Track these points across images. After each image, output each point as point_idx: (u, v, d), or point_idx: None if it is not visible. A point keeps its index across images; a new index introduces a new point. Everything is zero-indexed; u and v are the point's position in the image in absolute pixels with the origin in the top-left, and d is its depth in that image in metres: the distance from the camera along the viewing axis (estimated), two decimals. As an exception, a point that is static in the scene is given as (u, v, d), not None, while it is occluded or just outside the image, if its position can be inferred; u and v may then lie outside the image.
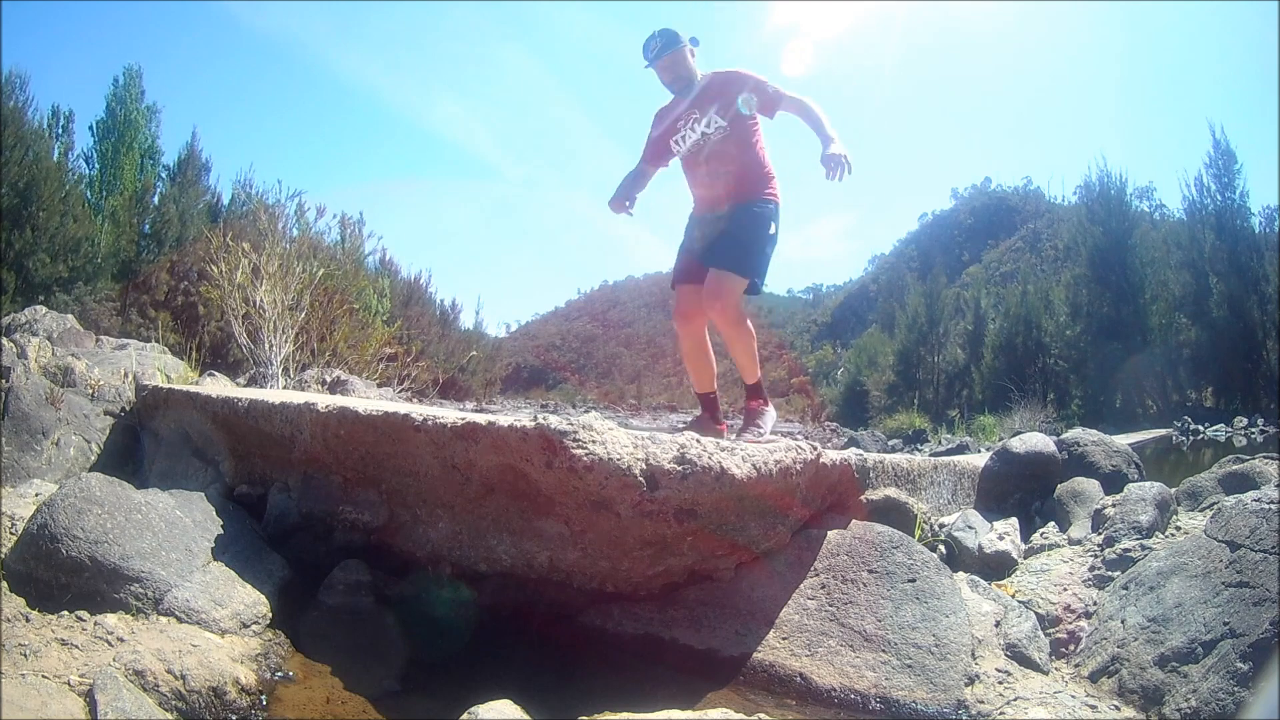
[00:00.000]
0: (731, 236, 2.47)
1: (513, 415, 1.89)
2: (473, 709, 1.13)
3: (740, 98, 2.45)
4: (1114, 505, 2.10)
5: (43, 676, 1.17)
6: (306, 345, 5.62)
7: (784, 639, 1.62)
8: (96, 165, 10.88)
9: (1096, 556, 1.92)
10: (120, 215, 10.13)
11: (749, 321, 2.48)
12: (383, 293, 9.44)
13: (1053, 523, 2.26)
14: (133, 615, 1.45)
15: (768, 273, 2.51)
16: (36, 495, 2.01)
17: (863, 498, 2.14)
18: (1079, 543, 2.05)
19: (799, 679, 1.53)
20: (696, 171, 2.59)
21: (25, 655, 1.22)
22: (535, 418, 1.56)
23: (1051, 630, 1.72)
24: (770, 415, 2.56)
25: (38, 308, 4.34)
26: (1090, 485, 2.32)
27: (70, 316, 4.57)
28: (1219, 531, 1.60)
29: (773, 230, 2.48)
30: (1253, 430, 11.06)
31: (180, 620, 1.47)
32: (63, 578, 1.46)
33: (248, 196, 11.02)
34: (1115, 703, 1.43)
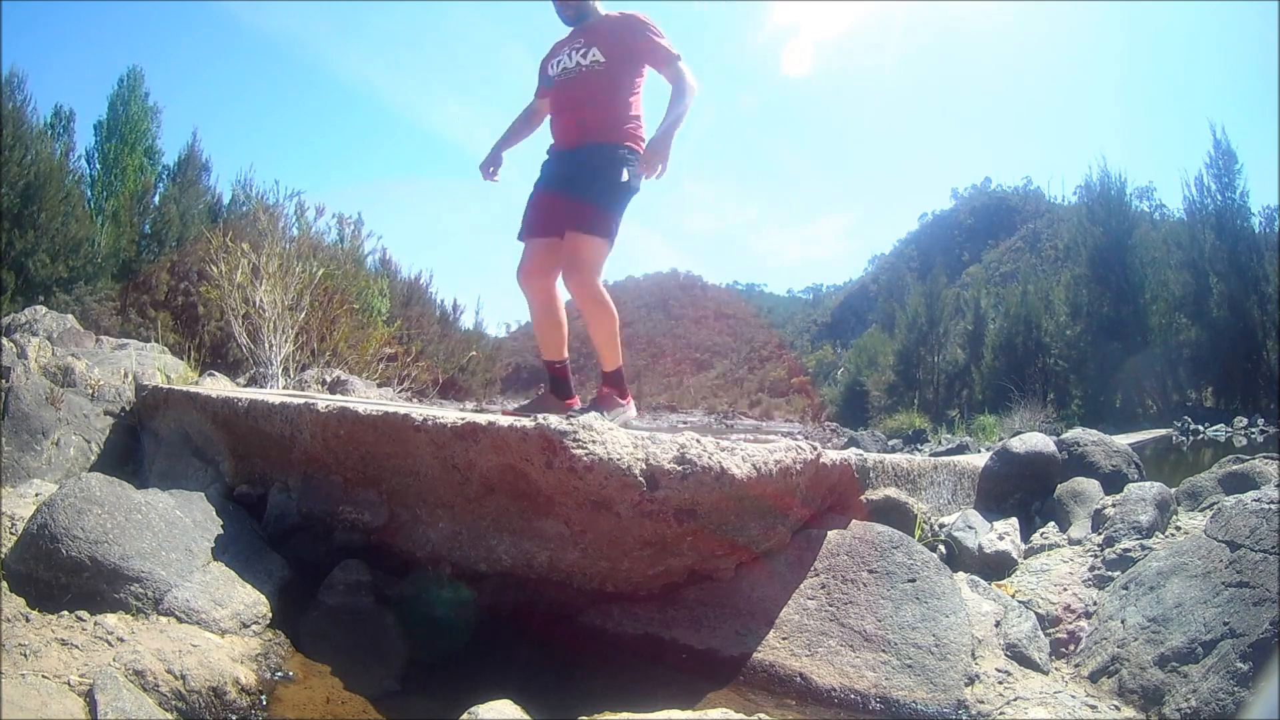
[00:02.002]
0: (586, 189, 2.28)
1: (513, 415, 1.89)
2: (473, 709, 1.13)
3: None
4: (1114, 505, 2.11)
5: (43, 676, 1.17)
6: (306, 345, 5.62)
7: (784, 639, 1.62)
8: (99, 165, 10.90)
9: (1096, 556, 1.92)
10: (121, 215, 10.14)
11: (609, 299, 2.29)
12: (383, 293, 9.44)
13: (1053, 523, 2.26)
14: (133, 615, 1.45)
15: (619, 224, 2.32)
16: (36, 495, 2.01)
17: (863, 498, 2.13)
18: (1079, 543, 2.05)
19: (799, 679, 1.53)
20: (560, 100, 2.45)
21: (25, 655, 1.22)
22: (535, 418, 1.56)
23: (1051, 630, 1.72)
24: (625, 412, 2.34)
25: (38, 308, 4.34)
26: (1090, 485, 2.32)
27: (70, 316, 4.57)
28: (1219, 531, 1.60)
29: (625, 178, 2.30)
30: (1253, 430, 11.08)
31: (180, 620, 1.47)
32: (63, 578, 1.46)
33: (247, 197, 11.04)
34: (1115, 703, 1.43)
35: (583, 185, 2.31)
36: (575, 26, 2.49)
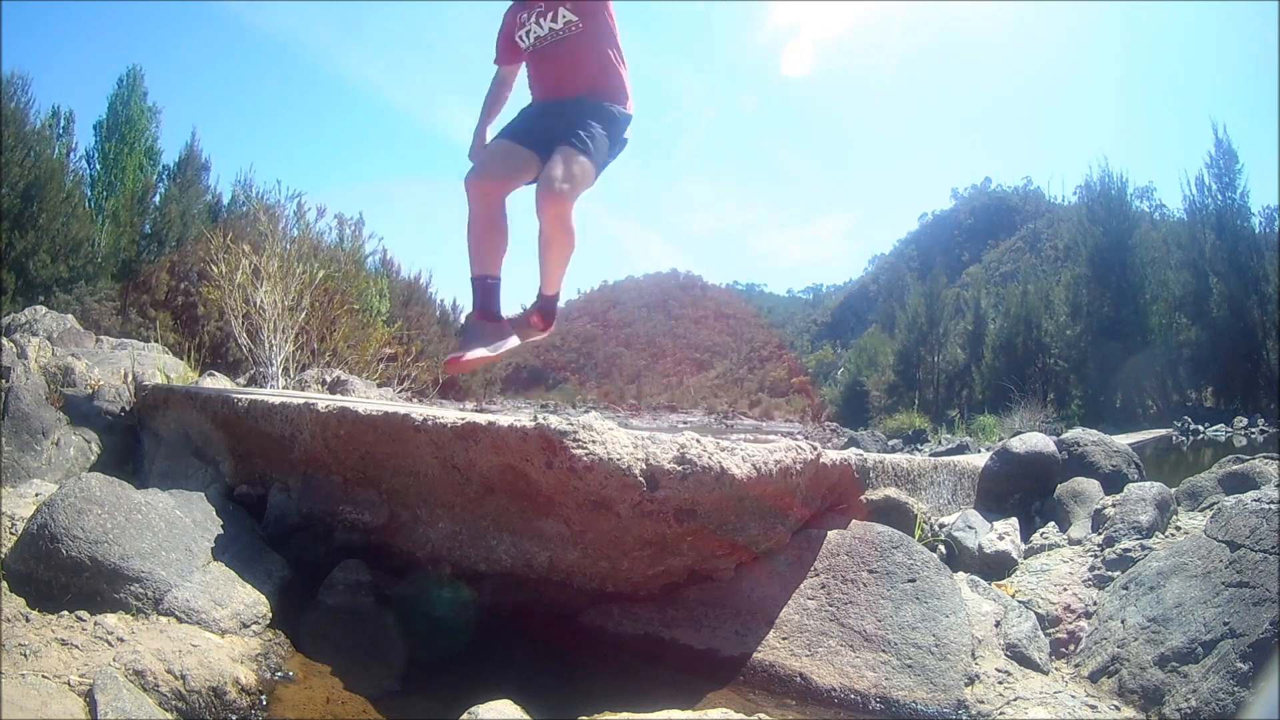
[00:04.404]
0: (589, 123, 2.25)
1: (513, 415, 1.89)
2: (473, 709, 1.13)
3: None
4: (1114, 505, 2.11)
5: (43, 676, 1.17)
6: (306, 345, 5.62)
7: (784, 639, 1.62)
8: (99, 165, 10.91)
9: (1096, 556, 1.92)
10: (121, 215, 10.15)
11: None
12: (382, 293, 9.43)
13: (1053, 523, 2.26)
14: (133, 615, 1.45)
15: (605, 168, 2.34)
16: (36, 495, 2.01)
17: (863, 498, 2.13)
18: (1079, 543, 2.05)
19: (799, 679, 1.53)
20: (544, 65, 2.38)
21: (25, 655, 1.22)
22: (535, 418, 1.56)
23: (1051, 630, 1.72)
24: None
25: (38, 308, 4.35)
26: (1090, 485, 2.32)
27: (70, 316, 4.57)
28: (1219, 531, 1.60)
29: (626, 136, 2.36)
30: (1253, 430, 11.08)
31: (180, 620, 1.47)
32: (63, 578, 1.46)
33: (247, 197, 11.05)
34: (1115, 703, 1.43)
35: (583, 118, 2.28)
36: None
